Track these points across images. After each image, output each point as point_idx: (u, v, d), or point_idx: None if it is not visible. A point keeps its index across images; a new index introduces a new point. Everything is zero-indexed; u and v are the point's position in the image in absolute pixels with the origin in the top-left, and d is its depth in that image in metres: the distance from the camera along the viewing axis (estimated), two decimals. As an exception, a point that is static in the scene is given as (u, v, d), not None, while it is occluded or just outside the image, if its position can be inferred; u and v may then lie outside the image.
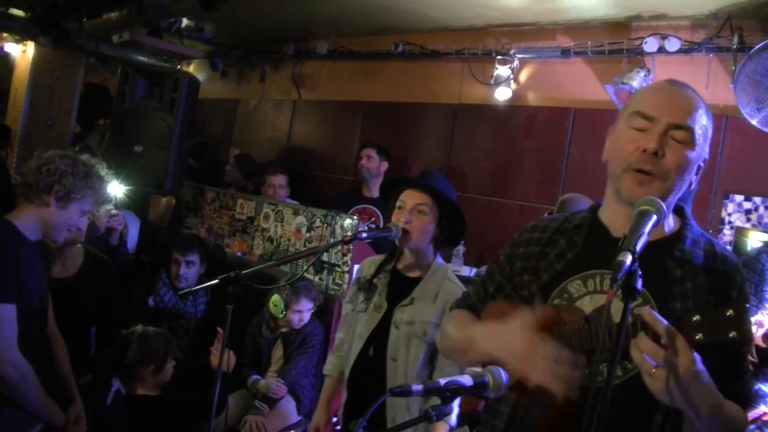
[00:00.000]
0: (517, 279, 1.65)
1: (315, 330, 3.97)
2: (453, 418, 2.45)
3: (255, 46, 6.86)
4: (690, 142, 1.46)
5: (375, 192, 5.16)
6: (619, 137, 1.53)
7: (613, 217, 1.57)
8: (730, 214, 3.98)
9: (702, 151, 1.50)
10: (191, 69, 7.45)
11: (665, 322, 1.25)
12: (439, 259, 2.69)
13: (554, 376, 1.36)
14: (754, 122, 3.58)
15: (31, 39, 5.94)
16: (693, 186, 1.52)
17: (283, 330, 4.00)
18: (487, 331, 1.57)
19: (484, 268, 4.71)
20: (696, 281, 1.45)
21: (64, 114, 6.39)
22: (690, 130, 1.46)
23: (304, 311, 3.92)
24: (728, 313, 1.22)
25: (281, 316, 3.94)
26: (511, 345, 1.46)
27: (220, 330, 3.01)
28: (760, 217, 3.89)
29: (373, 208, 5.17)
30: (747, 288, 1.52)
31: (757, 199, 3.90)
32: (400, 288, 2.64)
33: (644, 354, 1.25)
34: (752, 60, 3.57)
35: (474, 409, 3.96)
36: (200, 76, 5.79)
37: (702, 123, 1.49)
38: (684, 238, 1.52)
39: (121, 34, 4.99)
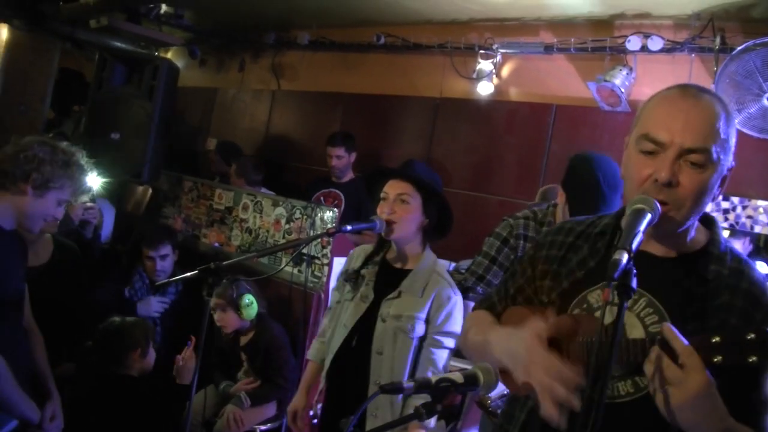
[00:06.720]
0: (537, 282, 1.61)
1: (281, 337, 3.94)
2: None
3: (235, 35, 6.76)
4: (706, 164, 1.34)
5: (342, 179, 5.24)
6: (630, 161, 1.44)
7: None
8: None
9: (724, 163, 1.38)
10: (169, 57, 7.34)
11: (685, 341, 1.21)
12: (429, 251, 2.66)
13: (550, 394, 1.31)
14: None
15: (5, 21, 5.79)
16: (717, 197, 1.45)
17: (242, 343, 3.95)
18: (501, 338, 1.54)
19: (462, 263, 4.71)
20: (716, 301, 1.37)
21: (37, 100, 6.22)
22: (706, 152, 1.33)
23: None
24: (749, 337, 1.17)
25: (253, 316, 3.88)
26: (518, 354, 1.43)
27: (192, 338, 2.95)
28: (737, 216, 3.93)
29: (337, 191, 5.20)
30: None
31: (735, 199, 3.93)
32: (388, 279, 2.61)
33: (656, 370, 1.22)
34: (734, 61, 3.60)
35: (451, 403, 3.97)
36: (178, 64, 5.70)
37: (721, 137, 1.35)
38: (709, 255, 1.44)
39: (99, 18, 4.89)
